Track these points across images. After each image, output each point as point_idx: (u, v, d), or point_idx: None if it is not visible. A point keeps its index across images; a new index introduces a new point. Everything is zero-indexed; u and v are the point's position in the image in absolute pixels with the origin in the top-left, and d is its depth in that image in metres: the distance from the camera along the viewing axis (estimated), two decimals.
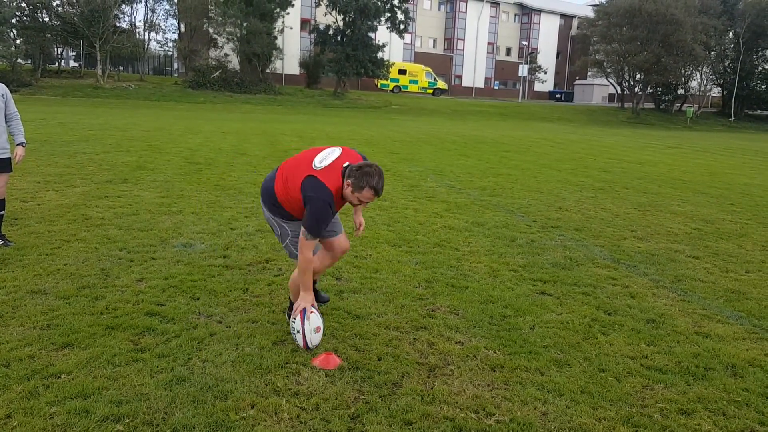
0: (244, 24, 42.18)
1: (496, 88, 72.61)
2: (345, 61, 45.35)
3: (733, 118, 53.43)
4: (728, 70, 54.99)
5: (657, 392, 3.29)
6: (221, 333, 3.77)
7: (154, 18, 50.61)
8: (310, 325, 3.57)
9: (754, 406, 3.18)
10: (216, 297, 4.40)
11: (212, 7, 44.26)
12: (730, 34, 53.27)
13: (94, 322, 3.82)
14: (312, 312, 3.60)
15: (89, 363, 3.29)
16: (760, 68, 55.72)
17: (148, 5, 49.12)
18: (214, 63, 45.21)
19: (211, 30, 45.33)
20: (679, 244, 6.80)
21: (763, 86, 55.47)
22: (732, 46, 53.84)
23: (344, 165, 3.52)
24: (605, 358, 3.67)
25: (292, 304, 3.89)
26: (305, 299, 3.62)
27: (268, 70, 47.04)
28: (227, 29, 43.34)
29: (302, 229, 3.47)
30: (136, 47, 45.99)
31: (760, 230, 7.83)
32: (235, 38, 43.46)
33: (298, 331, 3.58)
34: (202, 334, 3.73)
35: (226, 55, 45.64)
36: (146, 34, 49.88)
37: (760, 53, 55.00)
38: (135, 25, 52.30)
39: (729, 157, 20.10)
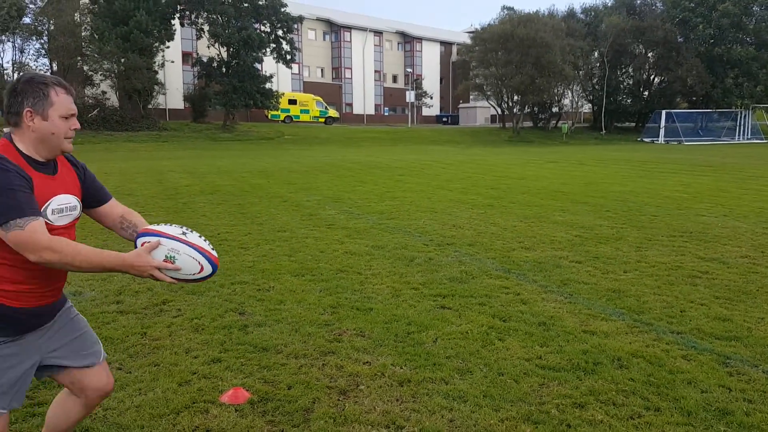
0: (122, 60, 40.69)
1: (386, 114, 74.23)
2: (232, 93, 44.62)
3: (603, 131, 57.41)
4: (596, 87, 59.25)
5: (552, 389, 3.52)
6: (122, 380, 3.63)
7: (24, 58, 47.75)
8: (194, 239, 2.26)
9: (640, 394, 3.47)
10: (113, 344, 4.22)
11: (86, 44, 42.33)
12: (596, 53, 57.43)
13: None
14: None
15: None
16: (625, 83, 60.62)
17: (17, 45, 46.36)
18: (90, 101, 43.10)
19: (86, 68, 43.26)
20: (563, 251, 7.27)
21: (628, 100, 60.24)
22: (598, 64, 58.04)
23: None
24: (503, 362, 3.88)
25: None
26: (137, 259, 2.13)
27: (150, 106, 45.42)
28: (104, 66, 41.55)
29: None
30: (3, 90, 43.09)
31: (634, 233, 8.49)
32: (113, 75, 41.75)
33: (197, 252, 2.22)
34: None
35: (104, 92, 43.64)
36: (15, 75, 46.96)
37: (623, 70, 59.75)
38: (3, 66, 49.14)
39: (603, 167, 21.58)
